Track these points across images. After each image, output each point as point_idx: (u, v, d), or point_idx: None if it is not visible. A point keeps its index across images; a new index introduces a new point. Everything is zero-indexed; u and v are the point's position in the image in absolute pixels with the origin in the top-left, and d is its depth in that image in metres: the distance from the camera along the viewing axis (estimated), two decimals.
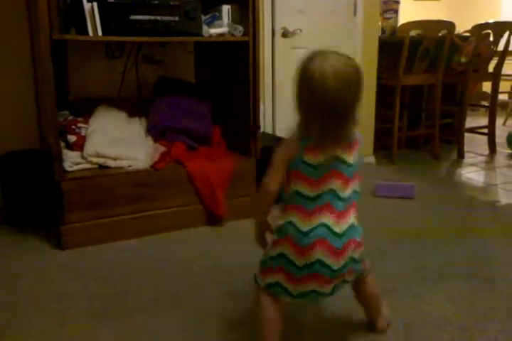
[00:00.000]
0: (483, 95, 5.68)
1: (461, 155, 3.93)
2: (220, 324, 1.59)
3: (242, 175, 2.50)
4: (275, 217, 1.35)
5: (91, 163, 2.19)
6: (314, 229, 1.25)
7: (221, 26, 2.46)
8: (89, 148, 2.17)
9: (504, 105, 5.60)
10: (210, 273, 1.94)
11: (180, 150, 2.42)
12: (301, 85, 1.27)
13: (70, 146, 2.21)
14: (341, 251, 1.27)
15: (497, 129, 4.14)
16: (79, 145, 2.20)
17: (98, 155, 2.18)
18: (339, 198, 1.27)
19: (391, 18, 4.07)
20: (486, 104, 4.45)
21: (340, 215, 1.28)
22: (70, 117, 2.35)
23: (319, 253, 1.25)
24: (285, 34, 3.17)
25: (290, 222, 1.27)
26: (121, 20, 2.17)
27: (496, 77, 4.02)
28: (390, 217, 1.73)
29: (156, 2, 2.24)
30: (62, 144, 2.19)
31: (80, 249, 2.13)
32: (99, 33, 2.12)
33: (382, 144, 3.81)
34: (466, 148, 3.97)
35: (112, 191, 2.19)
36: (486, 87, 5.52)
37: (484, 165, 3.78)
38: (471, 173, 3.53)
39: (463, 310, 1.66)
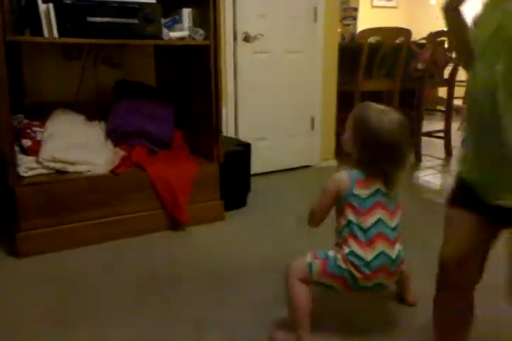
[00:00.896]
0: (439, 100, 5.84)
1: (418, 158, 4.02)
2: (185, 329, 1.56)
3: (205, 179, 2.47)
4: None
5: (47, 168, 2.12)
6: (375, 258, 1.43)
7: (181, 30, 2.44)
8: (46, 152, 2.11)
9: (459, 110, 5.76)
10: (173, 279, 1.90)
11: (140, 155, 2.38)
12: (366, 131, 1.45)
13: (25, 151, 2.14)
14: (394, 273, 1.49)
15: (453, 133, 4.27)
16: (34, 150, 2.13)
17: (55, 160, 2.11)
18: (389, 228, 1.46)
19: (350, 24, 4.15)
20: (442, 108, 4.58)
21: (393, 243, 1.47)
22: (25, 121, 2.27)
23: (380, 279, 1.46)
24: (247, 38, 3.17)
25: (351, 252, 1.44)
26: (78, 22, 2.11)
27: (451, 82, 4.14)
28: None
29: (115, 4, 2.20)
30: (17, 149, 2.11)
31: (37, 257, 2.06)
32: (55, 34, 2.06)
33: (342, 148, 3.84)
34: (423, 151, 4.06)
35: (70, 197, 2.13)
36: (442, 92, 5.69)
37: (441, 168, 3.88)
38: (429, 176, 3.61)
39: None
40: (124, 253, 2.14)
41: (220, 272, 1.96)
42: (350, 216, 1.44)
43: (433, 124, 4.95)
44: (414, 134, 4.08)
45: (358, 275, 1.42)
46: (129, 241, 2.25)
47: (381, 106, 1.48)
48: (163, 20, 2.37)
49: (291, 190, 3.13)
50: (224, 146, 2.55)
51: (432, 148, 4.34)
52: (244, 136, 3.23)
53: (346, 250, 1.44)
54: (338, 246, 1.48)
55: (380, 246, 1.43)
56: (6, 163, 1.98)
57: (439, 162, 4.04)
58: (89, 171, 2.17)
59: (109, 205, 2.22)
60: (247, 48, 3.20)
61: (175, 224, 2.39)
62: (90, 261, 2.05)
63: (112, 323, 1.59)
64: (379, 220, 1.44)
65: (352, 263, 1.43)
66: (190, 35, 2.43)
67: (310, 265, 1.46)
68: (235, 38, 3.14)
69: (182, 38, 2.42)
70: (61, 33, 2.07)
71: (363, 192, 1.43)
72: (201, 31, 2.42)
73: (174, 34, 2.41)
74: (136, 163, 2.33)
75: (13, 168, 1.99)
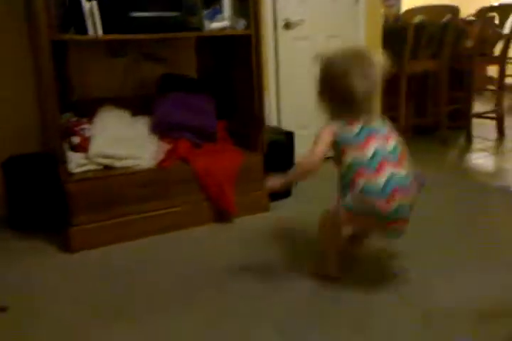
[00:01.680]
0: (489, 80, 5.59)
1: (469, 140, 3.89)
2: (235, 324, 1.57)
3: (249, 170, 2.47)
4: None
5: (96, 163, 2.16)
6: (387, 181, 1.54)
7: (223, 20, 2.42)
8: (94, 148, 2.15)
9: (511, 89, 5.51)
10: (222, 272, 1.92)
11: (185, 148, 2.40)
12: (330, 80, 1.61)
13: (74, 148, 2.19)
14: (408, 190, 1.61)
15: (505, 113, 4.08)
16: (83, 147, 2.18)
17: (103, 156, 2.16)
18: (388, 152, 1.60)
19: (393, 5, 4.02)
20: (493, 88, 4.39)
21: (398, 164, 1.60)
22: (74, 118, 2.32)
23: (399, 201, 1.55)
24: (288, 25, 3.12)
25: (363, 188, 1.55)
26: (121, 18, 2.13)
27: (503, 60, 3.96)
28: None
29: None
30: (67, 146, 2.17)
31: (89, 251, 2.12)
32: (99, 32, 2.09)
33: None
34: (474, 133, 3.92)
35: (119, 191, 2.17)
36: (491, 71, 5.44)
37: (493, 149, 3.74)
38: (481, 158, 3.49)
39: (481, 298, 1.64)
40: (172, 246, 2.17)
41: (270, 263, 1.96)
42: (350, 157, 1.58)
43: (484, 105, 4.75)
44: (465, 116, 3.94)
45: (378, 205, 1.53)
46: (177, 234, 2.28)
47: (339, 52, 1.62)
48: (204, 12, 2.36)
49: (335, 179, 3.09)
50: (267, 136, 2.53)
51: (484, 130, 4.17)
52: (287, 125, 3.19)
53: (358, 188, 1.56)
54: (346, 191, 1.61)
55: (387, 170, 1.55)
56: (56, 160, 2.03)
57: (491, 143, 3.89)
58: (136, 165, 2.21)
59: (157, 199, 2.26)
60: (288, 35, 3.14)
61: (221, 216, 2.41)
62: (142, 255, 2.10)
63: (167, 317, 1.62)
64: (376, 150, 1.57)
65: (369, 197, 1.54)
66: (231, 25, 2.41)
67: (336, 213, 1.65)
68: (275, 26, 3.08)
69: (223, 29, 2.40)
70: (105, 30, 2.09)
71: (352, 131, 1.60)
72: (242, 21, 2.39)
73: (215, 25, 2.39)
74: (181, 156, 2.35)
75: (63, 165, 2.05)
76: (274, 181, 1.69)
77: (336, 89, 1.59)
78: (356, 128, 1.60)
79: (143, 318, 1.62)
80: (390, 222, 1.59)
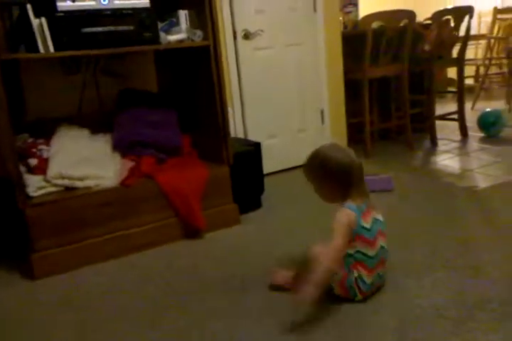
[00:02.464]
0: (449, 81, 5.71)
1: (434, 143, 3.93)
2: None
3: (217, 183, 2.43)
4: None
5: (56, 185, 2.08)
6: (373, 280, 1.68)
7: (179, 32, 2.38)
8: (53, 170, 2.07)
9: (470, 90, 5.64)
10: (195, 289, 1.86)
11: (149, 164, 2.34)
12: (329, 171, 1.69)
13: (32, 170, 2.10)
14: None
15: (467, 114, 4.15)
16: (41, 169, 2.09)
17: (63, 177, 2.08)
18: (385, 250, 1.73)
19: (351, 12, 4.05)
20: (453, 90, 4.46)
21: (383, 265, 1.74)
22: (30, 140, 2.24)
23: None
24: (247, 36, 3.10)
25: (359, 276, 1.64)
26: (73, 34, 2.07)
27: (461, 62, 4.03)
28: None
29: (109, 12, 2.14)
30: (24, 169, 2.08)
31: (53, 277, 2.03)
32: (51, 49, 2.02)
33: (354, 139, 3.78)
34: (438, 135, 3.96)
35: (82, 213, 2.09)
36: (451, 73, 5.56)
37: (458, 150, 3.79)
38: (447, 160, 3.53)
39: (454, 301, 1.63)
40: (141, 267, 2.10)
41: (243, 277, 1.91)
42: (360, 246, 1.64)
43: (445, 107, 4.83)
44: (428, 118, 3.99)
45: (359, 294, 1.64)
46: (146, 254, 2.21)
47: (321, 148, 1.75)
48: (159, 24, 2.32)
49: (306, 187, 3.05)
50: (233, 147, 2.49)
51: (448, 131, 4.23)
52: (253, 136, 3.16)
53: (355, 274, 1.63)
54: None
55: (379, 269, 1.69)
56: (13, 185, 1.94)
57: (456, 145, 3.94)
58: (98, 185, 2.14)
59: (122, 218, 2.19)
60: (248, 45, 3.13)
61: (191, 232, 2.35)
62: (109, 277, 2.02)
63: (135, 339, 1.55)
64: (382, 247, 1.69)
65: (358, 286, 1.63)
66: (188, 37, 2.37)
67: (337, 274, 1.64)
68: (234, 37, 3.07)
69: (181, 41, 2.36)
70: (57, 47, 2.03)
71: (367, 223, 1.66)
72: (199, 32, 2.36)
73: (172, 37, 2.36)
74: (145, 172, 2.28)
75: (20, 189, 1.96)
76: (308, 291, 1.50)
77: (334, 173, 1.68)
78: (370, 219, 1.68)
79: None
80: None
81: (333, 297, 1.68)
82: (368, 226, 1.65)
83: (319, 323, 1.56)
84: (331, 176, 1.68)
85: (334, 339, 1.48)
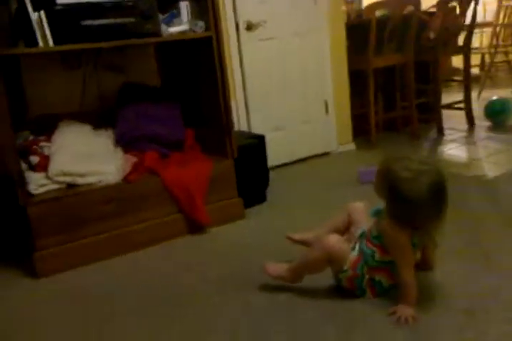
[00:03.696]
0: (454, 71, 5.63)
1: (440, 132, 3.88)
2: (217, 338, 1.49)
3: (221, 177, 2.39)
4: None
5: (58, 182, 2.05)
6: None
7: (181, 24, 2.34)
8: (54, 167, 2.04)
9: (476, 78, 5.56)
10: (199, 285, 1.84)
11: (152, 159, 2.30)
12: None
13: (34, 167, 2.07)
14: None
15: (473, 103, 4.10)
16: (43, 166, 2.06)
17: (65, 174, 2.05)
18: None
19: (354, 1, 3.99)
20: (458, 78, 4.40)
21: None
22: (31, 137, 2.20)
23: None
24: (249, 26, 3.05)
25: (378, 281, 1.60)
26: (73, 27, 2.03)
27: (467, 49, 3.96)
28: (377, 202, 1.71)
29: (109, 4, 2.10)
30: (25, 166, 2.05)
31: (56, 275, 2.00)
32: (50, 43, 1.98)
33: (360, 129, 3.74)
34: (444, 124, 3.91)
35: (85, 210, 2.06)
36: (456, 62, 5.48)
37: (465, 140, 3.74)
38: (453, 149, 3.49)
39: (466, 292, 1.60)
40: (145, 263, 2.08)
41: (247, 273, 1.88)
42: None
43: (451, 96, 4.77)
44: (434, 108, 3.93)
45: (371, 294, 1.61)
46: (150, 250, 2.19)
47: (415, 164, 1.48)
48: (160, 16, 2.27)
49: (311, 180, 3.04)
50: (236, 141, 2.45)
51: (454, 121, 4.17)
52: (257, 128, 3.12)
53: (376, 278, 1.59)
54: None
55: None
56: (14, 183, 1.92)
57: (463, 134, 3.89)
58: (100, 181, 2.10)
59: (126, 214, 2.16)
60: (251, 37, 3.07)
61: (196, 227, 2.32)
62: (112, 275, 1.99)
63: (140, 339, 1.54)
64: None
65: (372, 287, 1.60)
66: (190, 29, 2.33)
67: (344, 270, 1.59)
68: (237, 28, 3.01)
69: (182, 33, 2.32)
70: (56, 41, 1.99)
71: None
72: (201, 23, 2.32)
73: (174, 29, 2.31)
74: (149, 168, 2.25)
75: (22, 187, 1.93)
76: (406, 311, 1.49)
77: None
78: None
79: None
80: None
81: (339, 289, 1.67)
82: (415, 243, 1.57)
83: (327, 317, 1.54)
84: (393, 196, 1.51)
85: (343, 335, 1.46)
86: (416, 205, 1.45)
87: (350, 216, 1.79)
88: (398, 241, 1.51)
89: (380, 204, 1.59)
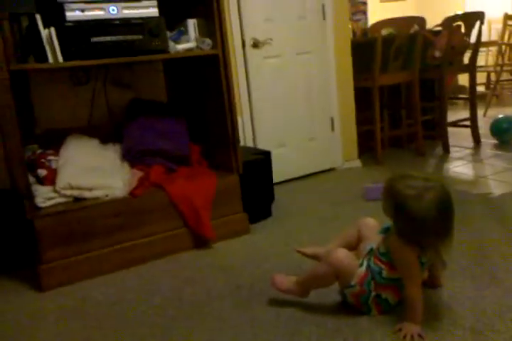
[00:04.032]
0: (460, 89, 5.66)
1: (446, 149, 3.88)
2: None
3: (227, 192, 2.40)
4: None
5: (65, 196, 2.07)
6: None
7: (188, 41, 2.38)
8: (62, 180, 2.06)
9: (482, 97, 5.59)
10: (203, 300, 1.83)
11: (158, 174, 2.32)
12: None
13: (41, 181, 2.09)
14: None
15: (479, 121, 4.10)
16: (50, 179, 2.08)
17: (72, 187, 2.06)
18: None
19: (360, 19, 4.05)
20: (464, 96, 4.42)
21: None
22: (39, 151, 2.23)
23: None
24: (256, 44, 3.09)
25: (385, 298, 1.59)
26: (82, 44, 2.07)
27: (472, 68, 3.99)
28: (383, 219, 1.70)
29: (118, 22, 2.14)
30: (33, 179, 2.07)
31: (62, 288, 2.01)
32: (60, 59, 2.02)
33: (366, 146, 3.75)
34: (450, 142, 3.91)
35: (90, 224, 2.07)
36: (462, 80, 5.51)
37: (471, 157, 3.74)
38: (459, 167, 3.48)
39: (472, 311, 1.58)
40: (149, 278, 2.07)
41: (251, 288, 1.88)
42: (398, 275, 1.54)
43: (456, 114, 4.78)
44: (440, 125, 3.94)
45: (376, 312, 1.60)
46: (155, 264, 2.19)
47: (420, 181, 1.47)
48: (168, 33, 2.32)
49: (316, 196, 3.04)
50: (242, 156, 2.47)
51: (460, 138, 4.18)
52: (263, 144, 3.14)
53: (383, 295, 1.57)
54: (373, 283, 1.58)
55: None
56: (22, 196, 1.93)
57: (469, 151, 3.89)
58: (107, 195, 2.12)
59: (132, 228, 2.17)
60: (257, 54, 3.11)
61: (201, 242, 2.32)
62: (117, 289, 1.99)
63: None
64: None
65: (378, 305, 1.59)
66: (197, 46, 2.36)
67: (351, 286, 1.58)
68: (243, 45, 3.06)
69: (190, 50, 2.36)
70: (66, 57, 2.03)
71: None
72: (208, 40, 2.35)
73: (181, 46, 2.35)
74: (155, 182, 2.27)
75: (29, 201, 1.95)
76: (412, 329, 1.48)
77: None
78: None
79: None
80: None
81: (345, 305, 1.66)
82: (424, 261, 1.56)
83: (332, 333, 1.52)
84: (399, 212, 1.50)
85: None
86: (423, 222, 1.44)
87: (360, 231, 1.78)
88: (406, 258, 1.50)
89: (388, 221, 1.59)
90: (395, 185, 1.50)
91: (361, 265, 1.60)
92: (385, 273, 1.56)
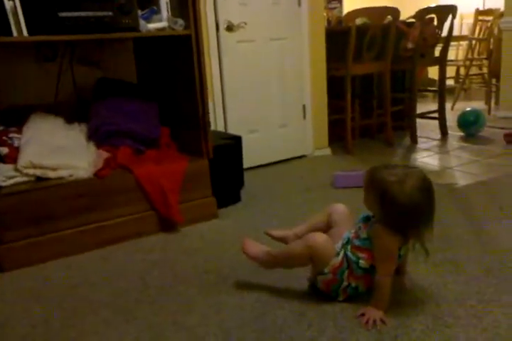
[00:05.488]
0: (430, 82, 5.74)
1: (414, 140, 3.93)
2: (179, 337, 1.46)
3: (196, 176, 2.37)
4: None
5: (27, 175, 2.00)
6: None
7: (160, 20, 2.32)
8: (23, 159, 1.99)
9: (451, 90, 5.68)
10: (169, 284, 1.81)
11: (126, 155, 2.27)
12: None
13: (2, 159, 2.02)
14: None
15: (447, 114, 4.18)
16: (12, 158, 2.01)
17: (34, 166, 2.00)
18: None
19: (335, 8, 4.03)
20: (434, 89, 4.47)
21: None
22: (1, 127, 2.15)
23: None
24: (230, 28, 3.04)
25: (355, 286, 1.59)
26: (49, 18, 1.99)
27: (443, 61, 4.04)
28: (352, 206, 1.71)
29: None
30: None
31: (22, 270, 1.95)
32: (25, 33, 1.94)
33: (336, 135, 3.77)
34: (418, 133, 3.97)
35: (54, 204, 2.02)
36: (432, 74, 5.59)
37: (438, 148, 3.80)
38: (426, 158, 3.53)
39: (433, 297, 1.61)
40: (113, 260, 2.04)
41: (218, 272, 1.87)
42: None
43: (426, 106, 4.85)
44: (409, 116, 3.99)
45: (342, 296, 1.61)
46: (121, 247, 2.15)
47: (400, 169, 1.50)
48: (140, 12, 2.25)
49: (286, 182, 3.04)
50: (213, 141, 2.44)
51: (427, 130, 4.25)
52: (234, 130, 3.12)
53: (353, 284, 1.58)
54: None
55: None
56: None
57: (436, 143, 3.95)
58: (71, 176, 2.06)
59: (96, 210, 2.12)
60: (231, 38, 3.07)
61: (168, 226, 2.29)
62: (80, 271, 1.95)
63: (102, 338, 1.50)
64: None
65: (345, 292, 1.60)
66: (169, 26, 2.31)
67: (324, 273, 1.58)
68: (217, 28, 3.01)
69: (161, 29, 2.30)
70: (31, 32, 1.95)
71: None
72: (181, 21, 2.30)
73: (153, 26, 2.29)
74: (121, 164, 2.22)
75: None
76: (375, 314, 1.50)
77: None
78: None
79: (77, 338, 1.48)
80: None
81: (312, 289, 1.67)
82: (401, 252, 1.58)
83: (296, 318, 1.53)
84: (382, 202, 1.49)
85: (311, 335, 1.45)
86: (407, 207, 1.45)
87: (330, 216, 1.77)
88: (388, 246, 1.50)
89: (364, 210, 1.59)
90: (377, 174, 1.51)
91: (338, 254, 1.58)
92: (362, 263, 1.55)
